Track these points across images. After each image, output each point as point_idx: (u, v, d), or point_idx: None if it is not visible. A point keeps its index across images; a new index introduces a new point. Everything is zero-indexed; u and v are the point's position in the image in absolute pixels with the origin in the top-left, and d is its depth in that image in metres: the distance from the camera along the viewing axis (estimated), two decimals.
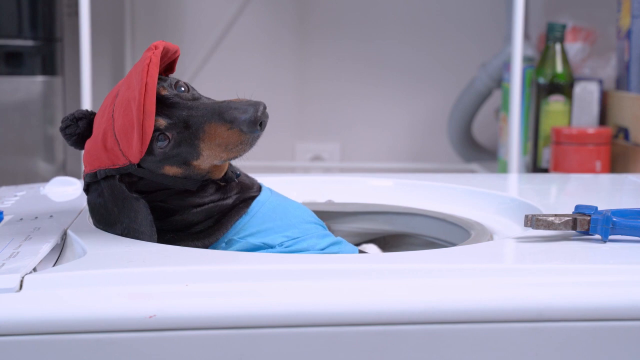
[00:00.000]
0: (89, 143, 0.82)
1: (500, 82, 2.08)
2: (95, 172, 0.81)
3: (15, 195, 1.04)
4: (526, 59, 1.90)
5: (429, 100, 2.40)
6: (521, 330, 0.65)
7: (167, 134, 0.78)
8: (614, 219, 0.77)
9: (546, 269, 0.70)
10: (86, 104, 1.76)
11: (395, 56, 2.42)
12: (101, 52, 2.27)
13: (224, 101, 0.79)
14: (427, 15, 2.41)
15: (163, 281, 0.66)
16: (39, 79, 1.98)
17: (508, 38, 1.94)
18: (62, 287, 0.65)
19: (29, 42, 1.97)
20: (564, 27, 1.88)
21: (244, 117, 0.76)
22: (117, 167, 0.79)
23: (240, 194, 0.87)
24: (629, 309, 0.66)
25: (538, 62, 1.92)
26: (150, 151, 0.78)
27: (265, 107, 0.77)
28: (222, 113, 0.77)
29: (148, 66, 0.76)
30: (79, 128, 0.83)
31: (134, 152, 0.77)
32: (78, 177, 1.12)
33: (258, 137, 0.79)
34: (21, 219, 0.88)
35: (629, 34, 1.84)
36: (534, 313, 0.65)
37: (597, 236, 0.78)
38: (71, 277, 0.66)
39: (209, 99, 0.83)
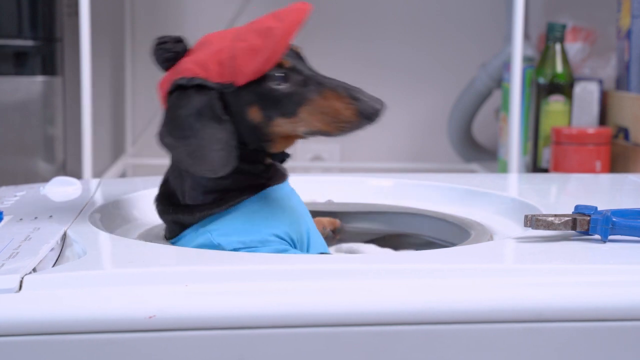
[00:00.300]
0: (194, 56, 0.81)
1: (500, 82, 2.08)
2: (192, 77, 0.79)
3: (15, 196, 1.03)
4: (526, 59, 1.90)
5: (429, 100, 2.40)
6: (521, 330, 0.65)
7: (286, 75, 0.79)
8: (614, 219, 0.77)
9: (546, 269, 0.70)
10: (86, 104, 1.76)
11: (395, 56, 2.42)
12: (101, 52, 2.27)
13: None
14: (427, 15, 2.41)
15: (163, 281, 0.66)
16: (39, 79, 1.98)
17: (508, 38, 1.94)
18: (62, 287, 0.65)
19: (29, 42, 1.97)
20: (564, 27, 1.88)
21: (370, 103, 0.78)
22: (217, 82, 0.78)
23: (266, 181, 0.86)
24: (628, 309, 0.66)
25: (538, 62, 1.92)
26: (259, 81, 0.78)
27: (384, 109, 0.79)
28: (349, 89, 0.79)
29: (304, 12, 0.79)
30: (178, 47, 0.82)
31: (248, 72, 0.78)
32: (78, 177, 1.12)
33: (360, 128, 0.79)
34: (21, 219, 0.88)
35: (629, 34, 1.84)
36: (533, 313, 0.65)
37: (597, 236, 0.78)
38: (71, 278, 0.66)
39: None
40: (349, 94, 0.78)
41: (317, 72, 0.82)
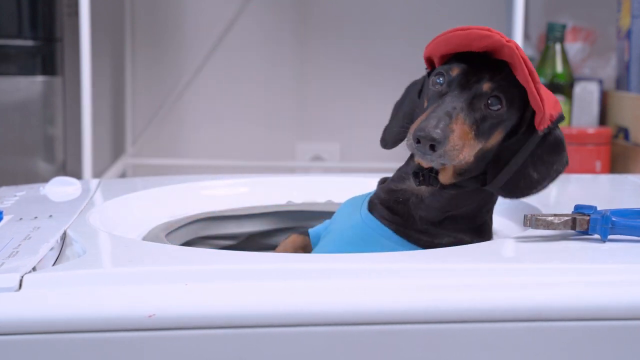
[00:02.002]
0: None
1: None
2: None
3: (15, 195, 1.03)
4: None
5: None
6: (521, 330, 0.65)
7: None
8: (613, 219, 0.77)
9: (546, 268, 0.70)
10: (86, 104, 1.76)
11: (395, 56, 2.42)
12: (101, 52, 2.27)
13: None
14: (427, 15, 2.41)
15: (162, 281, 0.66)
16: (39, 79, 1.98)
17: None
18: (62, 286, 0.65)
19: (29, 42, 1.97)
20: (564, 27, 1.88)
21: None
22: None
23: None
24: (628, 309, 0.66)
25: (538, 62, 1.92)
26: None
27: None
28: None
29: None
30: None
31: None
32: (78, 177, 1.12)
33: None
34: (21, 218, 0.88)
35: (629, 34, 1.84)
36: (533, 312, 0.65)
37: (597, 236, 0.78)
38: (71, 277, 0.66)
39: None
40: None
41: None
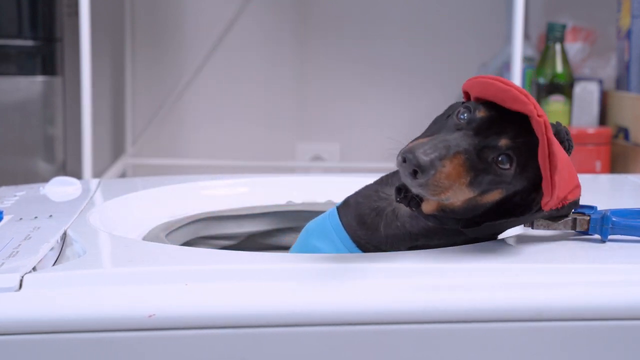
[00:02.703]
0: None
1: None
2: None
3: (15, 195, 1.03)
4: (526, 59, 1.90)
5: (429, 100, 2.40)
6: (521, 330, 0.65)
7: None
8: (614, 219, 0.77)
9: (546, 268, 0.70)
10: (86, 104, 1.76)
11: (395, 56, 2.42)
12: (101, 52, 2.27)
13: None
14: (427, 15, 2.41)
15: (162, 281, 0.66)
16: (39, 79, 1.98)
17: (508, 38, 1.94)
18: (62, 286, 0.65)
19: (29, 42, 1.97)
20: (564, 27, 1.88)
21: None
22: None
23: None
24: (629, 309, 0.66)
25: (538, 62, 1.92)
26: None
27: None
28: None
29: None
30: None
31: None
32: (78, 177, 1.12)
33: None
34: (21, 218, 0.88)
35: (629, 34, 1.84)
36: (534, 313, 0.65)
37: (596, 236, 0.78)
38: (71, 277, 0.66)
39: None
40: None
41: None
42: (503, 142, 0.73)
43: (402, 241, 0.79)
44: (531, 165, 0.74)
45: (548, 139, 0.72)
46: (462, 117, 0.76)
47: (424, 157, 0.69)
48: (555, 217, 0.78)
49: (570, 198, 0.76)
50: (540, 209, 0.75)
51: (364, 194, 0.84)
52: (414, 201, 0.77)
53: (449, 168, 0.70)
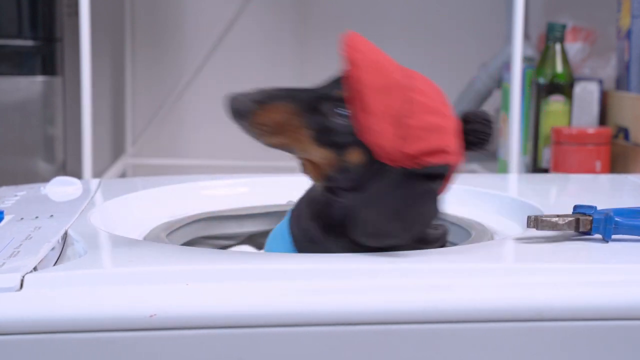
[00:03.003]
0: None
1: (500, 82, 2.08)
2: None
3: (16, 195, 1.03)
4: (526, 59, 1.90)
5: None
6: (521, 330, 0.65)
7: None
8: (617, 219, 0.77)
9: (548, 268, 0.70)
10: (86, 104, 1.76)
11: (395, 56, 2.41)
12: (101, 52, 2.27)
13: None
14: (427, 15, 2.41)
15: (163, 280, 0.66)
16: (39, 79, 1.98)
17: (508, 38, 1.94)
18: (63, 286, 0.65)
19: (29, 42, 1.97)
20: (564, 27, 1.88)
21: None
22: None
23: None
24: (631, 309, 0.66)
25: (538, 62, 1.92)
26: None
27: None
28: None
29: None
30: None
31: None
32: (78, 177, 1.12)
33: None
34: (22, 218, 0.88)
35: (629, 34, 1.84)
36: (534, 312, 0.65)
37: (598, 236, 0.78)
38: (72, 277, 0.66)
39: None
40: None
41: None
42: (337, 92, 0.74)
43: (314, 223, 0.79)
44: None
45: (353, 76, 0.72)
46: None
47: (236, 100, 0.72)
48: (416, 175, 0.72)
49: (429, 160, 0.72)
50: (390, 167, 0.72)
51: (309, 190, 0.84)
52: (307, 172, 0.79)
53: (270, 111, 0.73)
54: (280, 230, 0.85)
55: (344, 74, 0.75)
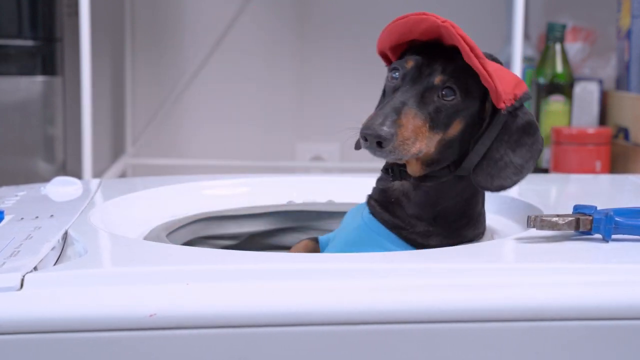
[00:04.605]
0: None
1: None
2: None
3: (16, 195, 1.03)
4: (526, 59, 1.90)
5: None
6: (521, 330, 0.66)
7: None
8: (617, 219, 0.77)
9: (548, 268, 0.70)
10: (86, 104, 1.76)
11: None
12: (101, 52, 2.27)
13: None
14: None
15: (163, 280, 0.66)
16: (39, 79, 1.98)
17: (508, 38, 1.94)
18: (63, 286, 0.65)
19: (29, 42, 1.97)
20: (564, 27, 1.88)
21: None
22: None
23: None
24: (632, 308, 0.66)
25: (538, 62, 1.92)
26: None
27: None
28: None
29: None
30: None
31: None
32: (78, 177, 1.12)
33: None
34: (22, 218, 0.88)
35: (629, 34, 1.84)
36: (534, 312, 0.65)
37: (598, 236, 0.78)
38: (72, 276, 0.66)
39: None
40: None
41: None
42: (438, 79, 0.79)
43: (424, 214, 0.84)
44: (472, 83, 0.80)
45: (462, 37, 0.77)
46: (395, 76, 0.82)
47: (382, 128, 0.75)
48: (515, 115, 0.81)
49: (518, 93, 0.81)
50: (498, 114, 0.80)
51: (377, 193, 0.88)
52: (402, 172, 0.83)
53: (407, 124, 0.77)
54: (366, 235, 0.87)
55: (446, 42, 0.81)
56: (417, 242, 0.84)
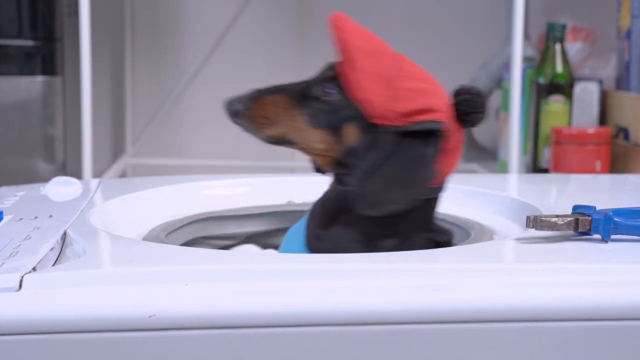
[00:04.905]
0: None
1: (500, 82, 2.08)
2: None
3: (15, 195, 1.03)
4: (526, 59, 1.90)
5: None
6: (521, 330, 0.65)
7: None
8: (616, 219, 0.77)
9: (548, 268, 0.70)
10: (86, 104, 1.76)
11: None
12: (101, 52, 2.27)
13: None
14: (427, 15, 2.40)
15: (162, 281, 0.66)
16: (39, 79, 1.98)
17: (508, 38, 1.94)
18: (62, 286, 0.65)
19: (29, 42, 1.97)
20: (564, 27, 1.88)
21: None
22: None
23: None
24: (631, 309, 0.66)
25: (538, 62, 1.92)
26: None
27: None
28: None
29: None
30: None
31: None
32: (78, 177, 1.12)
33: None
34: (21, 218, 0.88)
35: (629, 34, 1.84)
36: (534, 312, 0.65)
37: (597, 236, 0.78)
38: (71, 277, 0.66)
39: None
40: None
41: None
42: (329, 73, 0.79)
43: (322, 219, 0.83)
44: None
45: (340, 39, 0.77)
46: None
47: (233, 102, 0.78)
48: (407, 133, 0.76)
49: (419, 117, 0.76)
50: (384, 136, 0.76)
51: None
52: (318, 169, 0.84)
53: (264, 103, 0.78)
54: (297, 230, 0.86)
55: (333, 41, 0.79)
56: (310, 240, 0.84)
